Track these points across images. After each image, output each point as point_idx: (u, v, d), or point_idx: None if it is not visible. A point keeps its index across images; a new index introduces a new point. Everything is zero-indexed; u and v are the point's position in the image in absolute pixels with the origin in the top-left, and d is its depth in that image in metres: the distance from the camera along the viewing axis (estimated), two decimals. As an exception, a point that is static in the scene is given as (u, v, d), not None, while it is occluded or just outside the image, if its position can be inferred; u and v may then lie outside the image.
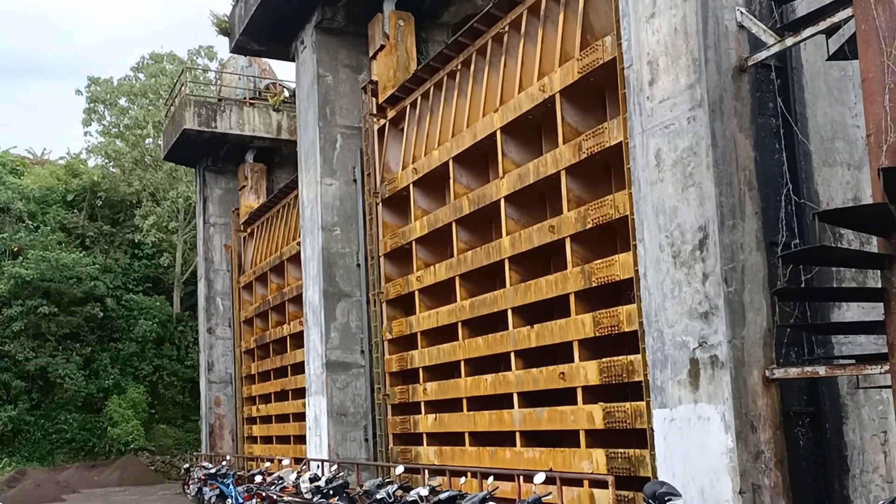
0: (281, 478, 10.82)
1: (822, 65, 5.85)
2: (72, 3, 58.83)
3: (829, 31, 5.06)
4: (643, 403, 6.43)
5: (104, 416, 21.60)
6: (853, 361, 5.19)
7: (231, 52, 14.44)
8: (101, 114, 26.46)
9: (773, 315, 5.53)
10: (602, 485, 6.67)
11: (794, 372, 5.36)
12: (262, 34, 13.03)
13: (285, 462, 12.52)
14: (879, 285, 4.60)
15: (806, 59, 5.93)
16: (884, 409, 5.79)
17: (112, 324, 22.77)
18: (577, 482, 7.08)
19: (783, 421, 5.52)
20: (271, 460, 13.00)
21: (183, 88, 17.25)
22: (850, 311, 5.85)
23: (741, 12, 5.65)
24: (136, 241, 24.55)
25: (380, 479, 8.93)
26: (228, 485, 12.33)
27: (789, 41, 5.33)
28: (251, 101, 16.85)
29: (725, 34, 5.60)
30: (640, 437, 6.67)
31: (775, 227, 5.63)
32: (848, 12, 4.81)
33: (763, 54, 5.51)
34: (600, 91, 7.68)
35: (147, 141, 25.01)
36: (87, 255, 23.25)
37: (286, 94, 17.12)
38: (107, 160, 26.02)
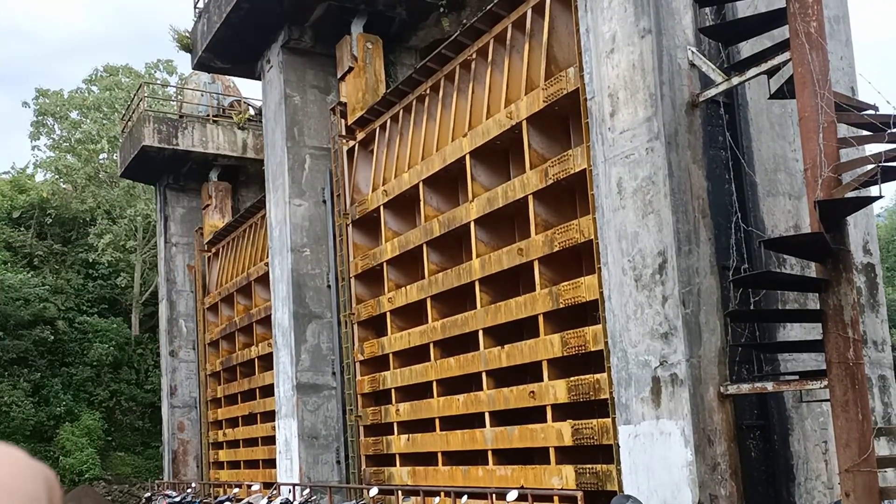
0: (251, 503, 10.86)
1: (765, 102, 6.48)
2: (15, 6, 57.27)
3: (770, 72, 5.66)
4: (609, 420, 6.89)
5: (55, 445, 21.01)
6: (797, 377, 5.75)
7: (193, 68, 14.50)
8: (51, 127, 25.90)
9: (727, 335, 6.07)
10: (571, 500, 7.06)
11: (745, 388, 5.90)
12: (226, 52, 13.11)
13: (255, 487, 12.52)
14: (818, 307, 5.15)
15: (751, 96, 6.56)
16: (824, 420, 6.37)
17: (64, 347, 22.28)
18: (547, 498, 7.48)
19: (737, 434, 6.05)
20: (240, 486, 12.99)
21: (141, 103, 17.17)
22: (794, 331, 6.46)
23: (692, 51, 6.25)
24: (91, 260, 24.05)
25: (353, 501, 9.13)
26: (195, 513, 12.27)
27: (735, 80, 5.94)
28: (215, 119, 16.90)
29: (679, 72, 6.19)
30: (607, 453, 7.12)
31: (726, 252, 6.19)
32: (786, 56, 5.41)
33: (712, 91, 6.11)
34: (565, 119, 8.22)
35: (101, 156, 24.61)
36: (36, 276, 22.78)
37: (251, 111, 17.23)
38: (57, 176, 25.43)
